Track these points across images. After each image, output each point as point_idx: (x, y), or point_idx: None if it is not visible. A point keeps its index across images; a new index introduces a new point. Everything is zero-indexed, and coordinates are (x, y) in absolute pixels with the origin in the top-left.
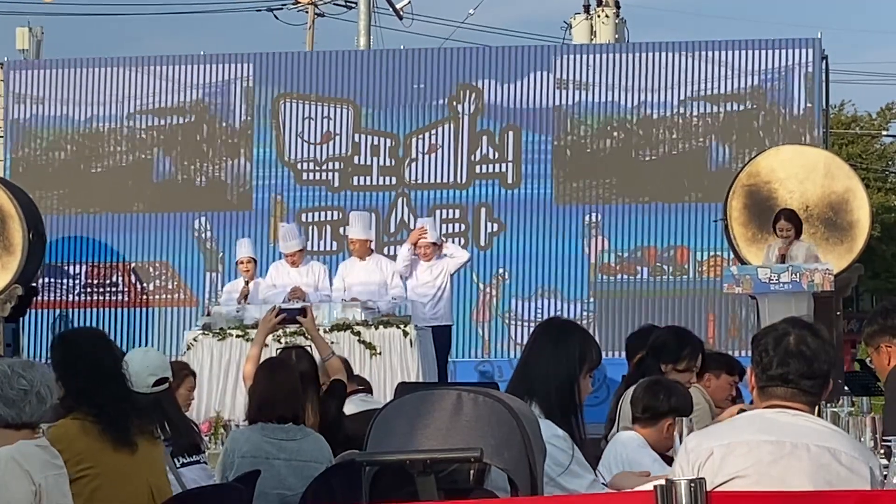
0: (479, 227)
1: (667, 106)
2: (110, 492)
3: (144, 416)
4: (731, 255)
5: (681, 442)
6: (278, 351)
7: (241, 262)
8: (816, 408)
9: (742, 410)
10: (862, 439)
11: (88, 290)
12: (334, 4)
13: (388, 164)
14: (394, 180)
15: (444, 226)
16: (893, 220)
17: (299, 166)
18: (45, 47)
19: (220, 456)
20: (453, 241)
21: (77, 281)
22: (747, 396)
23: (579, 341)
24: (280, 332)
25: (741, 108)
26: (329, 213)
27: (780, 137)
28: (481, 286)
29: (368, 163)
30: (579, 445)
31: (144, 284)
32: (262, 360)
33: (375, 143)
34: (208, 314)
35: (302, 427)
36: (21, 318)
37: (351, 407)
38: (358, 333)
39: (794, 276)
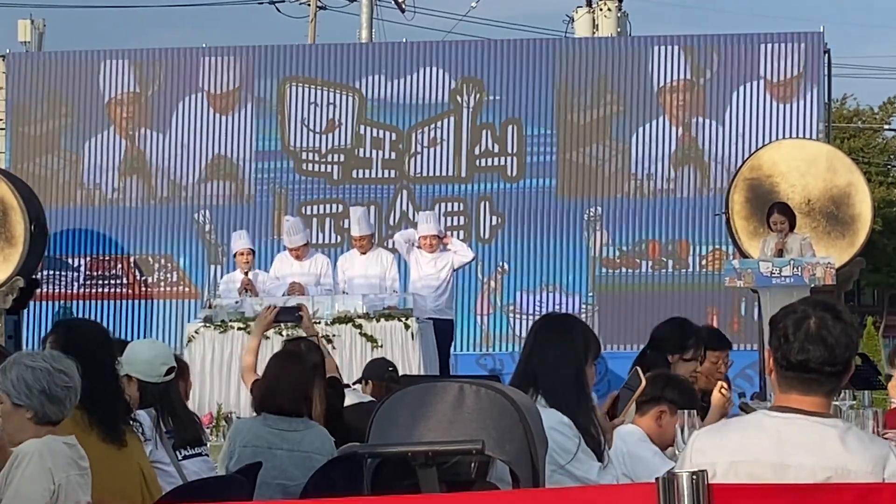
0: (481, 220)
1: None
2: (102, 479)
3: (131, 420)
4: (733, 249)
5: (682, 435)
6: (283, 343)
7: (242, 254)
8: (833, 398)
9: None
10: None
11: (90, 282)
12: None
13: (389, 157)
14: (395, 173)
15: (445, 219)
16: (895, 215)
17: (301, 155)
18: (46, 39)
19: (223, 446)
20: (454, 235)
21: (79, 273)
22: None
23: (582, 331)
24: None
25: None
26: (330, 205)
27: None
28: (482, 279)
29: (370, 155)
30: (595, 436)
31: (146, 277)
32: (275, 351)
33: (378, 135)
34: (210, 306)
35: (305, 419)
36: (22, 311)
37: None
38: (359, 326)
39: (795, 269)
